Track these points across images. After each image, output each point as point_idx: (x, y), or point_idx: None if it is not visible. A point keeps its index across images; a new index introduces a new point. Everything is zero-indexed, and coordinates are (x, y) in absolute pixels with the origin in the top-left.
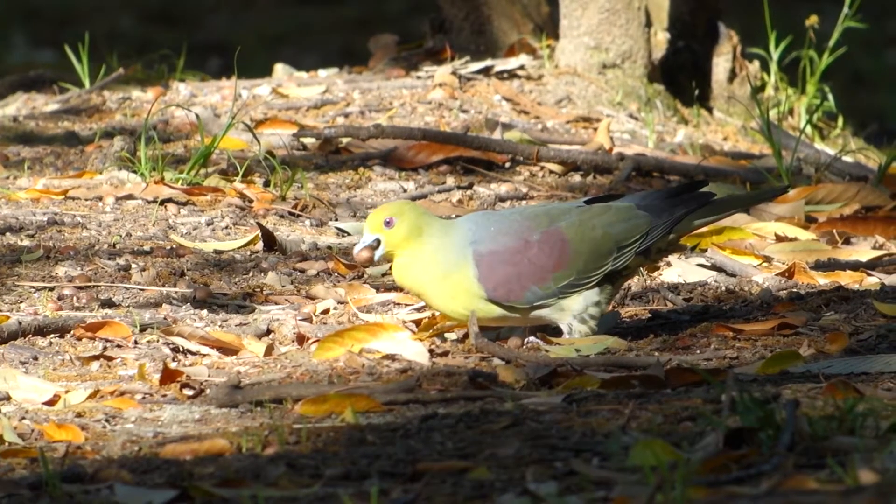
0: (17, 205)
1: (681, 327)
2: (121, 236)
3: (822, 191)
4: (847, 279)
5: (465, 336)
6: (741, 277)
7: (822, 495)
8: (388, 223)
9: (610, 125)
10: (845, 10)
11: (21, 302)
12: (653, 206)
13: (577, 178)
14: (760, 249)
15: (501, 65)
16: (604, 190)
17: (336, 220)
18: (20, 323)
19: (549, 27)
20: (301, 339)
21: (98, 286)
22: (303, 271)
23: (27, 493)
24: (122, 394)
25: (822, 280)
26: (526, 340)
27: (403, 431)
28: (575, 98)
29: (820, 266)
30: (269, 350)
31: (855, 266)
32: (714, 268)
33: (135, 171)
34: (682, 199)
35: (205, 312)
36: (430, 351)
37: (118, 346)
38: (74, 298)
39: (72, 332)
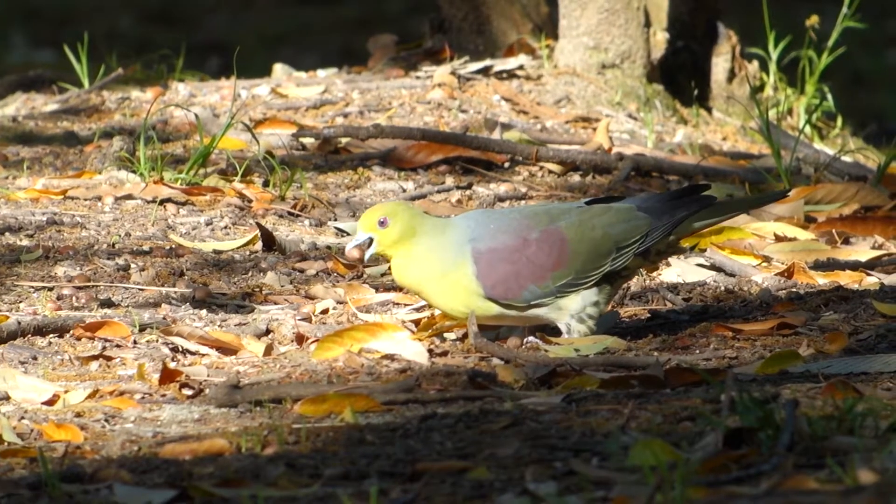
0: (16, 205)
1: (680, 327)
2: (120, 236)
3: (821, 191)
4: (846, 279)
5: (465, 336)
6: (740, 277)
7: (822, 495)
8: (382, 223)
9: (609, 125)
10: (844, 9)
11: (20, 302)
12: (653, 208)
13: (576, 178)
14: (760, 249)
15: (500, 65)
16: (603, 190)
17: (335, 219)
18: (19, 323)
19: (549, 27)
20: (300, 339)
21: (97, 286)
22: (302, 271)
23: (26, 493)
24: (122, 394)
25: (822, 280)
26: (525, 340)
27: (403, 431)
28: (574, 98)
29: (819, 266)
30: (269, 350)
31: (854, 266)
32: (713, 268)
33: (134, 171)
34: (683, 201)
35: (204, 312)
36: (430, 351)
37: (117, 345)
38: (74, 298)
39: (71, 331)
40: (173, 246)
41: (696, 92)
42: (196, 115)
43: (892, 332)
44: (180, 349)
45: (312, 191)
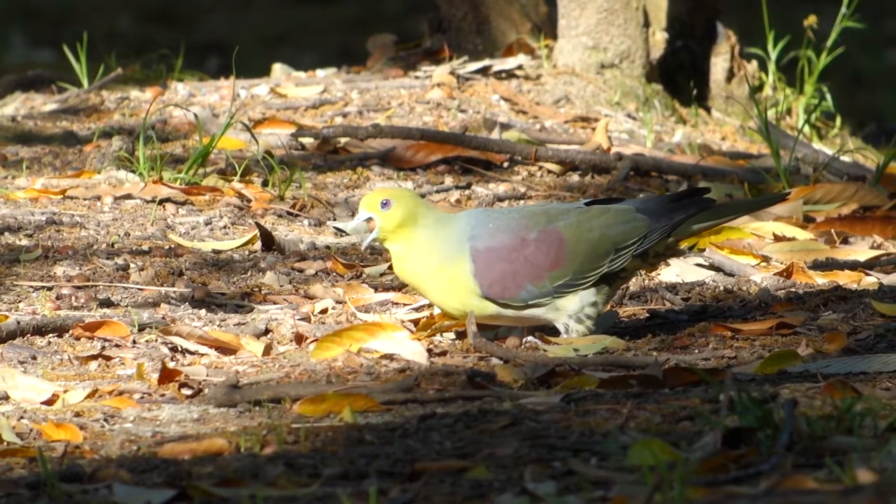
0: (15, 204)
1: (679, 327)
2: (119, 236)
3: (820, 190)
4: (845, 279)
5: (464, 335)
6: (739, 277)
7: (821, 495)
8: (384, 204)
9: (608, 125)
10: (843, 9)
11: (19, 301)
12: (652, 210)
13: (575, 177)
14: (759, 249)
15: (500, 65)
16: (602, 189)
17: (334, 219)
18: (19, 322)
19: (548, 27)
20: (299, 339)
21: (96, 286)
22: (301, 271)
23: (26, 493)
24: (121, 393)
25: (821, 280)
26: (524, 340)
27: (402, 431)
28: (573, 98)
29: (818, 266)
30: (268, 350)
31: (853, 266)
32: (712, 267)
33: (133, 171)
34: (682, 204)
35: (203, 312)
36: (429, 350)
37: (117, 345)
38: (73, 298)
39: (70, 331)
40: (172, 246)
41: (695, 92)
42: (195, 115)
43: (891, 331)
44: (179, 349)
45: (311, 191)
